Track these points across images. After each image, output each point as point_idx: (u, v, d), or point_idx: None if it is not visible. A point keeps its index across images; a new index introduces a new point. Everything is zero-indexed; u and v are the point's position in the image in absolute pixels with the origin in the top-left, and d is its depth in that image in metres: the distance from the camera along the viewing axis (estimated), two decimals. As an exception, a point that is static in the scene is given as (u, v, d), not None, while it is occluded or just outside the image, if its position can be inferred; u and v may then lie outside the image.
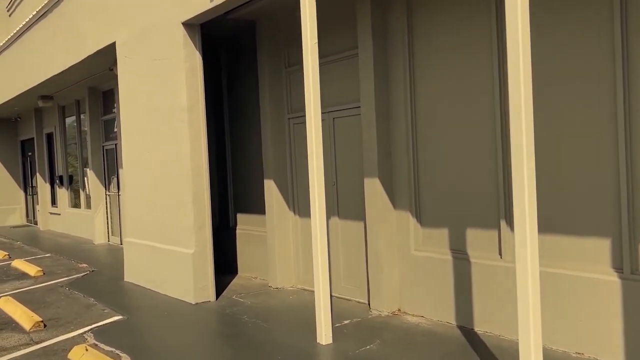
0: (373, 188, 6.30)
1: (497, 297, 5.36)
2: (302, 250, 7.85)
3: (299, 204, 7.84)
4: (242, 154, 8.95)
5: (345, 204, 7.12)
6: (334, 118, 7.18)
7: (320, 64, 7.37)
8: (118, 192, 13.14)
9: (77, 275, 9.80)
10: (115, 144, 13.11)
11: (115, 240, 13.46)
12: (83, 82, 13.21)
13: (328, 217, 7.20)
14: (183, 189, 7.34)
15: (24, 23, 13.62)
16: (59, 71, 11.72)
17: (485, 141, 5.48)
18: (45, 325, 6.65)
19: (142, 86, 8.19)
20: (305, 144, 7.65)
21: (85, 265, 10.82)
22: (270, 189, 7.87)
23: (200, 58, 7.25)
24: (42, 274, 10.09)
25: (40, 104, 14.97)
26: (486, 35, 5.39)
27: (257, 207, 8.62)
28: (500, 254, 5.42)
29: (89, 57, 10.15)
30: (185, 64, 7.15)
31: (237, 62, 8.95)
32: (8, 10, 19.52)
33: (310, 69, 5.30)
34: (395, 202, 6.33)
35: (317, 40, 5.31)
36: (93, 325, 6.55)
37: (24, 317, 6.90)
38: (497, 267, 5.38)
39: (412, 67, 6.12)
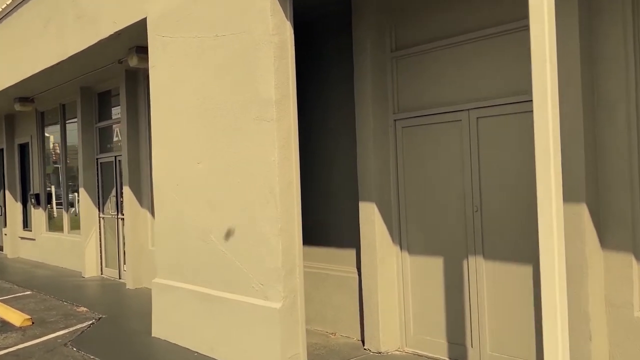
0: (577, 217, 4.28)
1: None
2: (412, 300, 5.75)
3: (409, 236, 5.76)
4: (313, 166, 6.81)
5: (494, 238, 5.08)
6: (477, 118, 5.16)
7: (455, 44, 5.40)
8: (117, 214, 10.77)
9: (80, 326, 7.42)
10: (115, 157, 10.78)
11: (111, 273, 11.04)
12: (75, 81, 10.87)
13: (464, 256, 5.17)
14: (264, 214, 5.17)
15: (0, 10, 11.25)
16: (50, 65, 9.42)
17: None
18: None
19: (191, 75, 6.01)
20: (420, 155, 5.59)
21: (84, 309, 8.42)
22: (370, 215, 5.76)
23: (292, 31, 5.15)
24: (31, 323, 7.67)
25: (18, 107, 12.51)
26: None
27: (337, 237, 6.49)
28: None
29: (99, 43, 7.93)
30: (274, 39, 5.03)
31: (309, 42, 6.84)
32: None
33: (546, 26, 3.27)
34: (604, 238, 4.33)
35: (553, -17, 3.31)
36: None
37: (31, 407, 4.58)
38: None
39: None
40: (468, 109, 5.21)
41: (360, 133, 5.83)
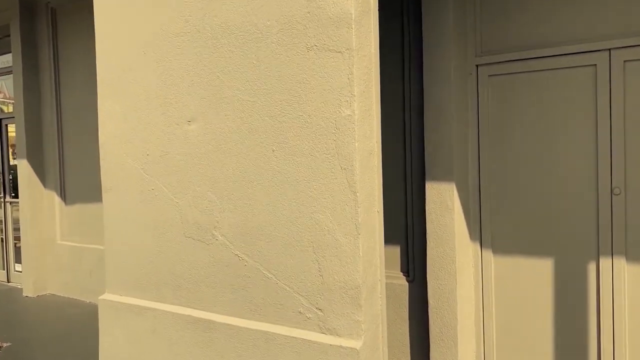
0: None
1: None
2: (496, 319, 4.16)
3: (494, 231, 4.15)
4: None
5: (646, 232, 3.61)
6: (624, 61, 3.62)
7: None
8: (4, 197, 8.11)
9: (-28, 364, 5.02)
10: (0, 120, 8.07)
11: (-7, 274, 8.36)
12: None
13: (591, 257, 3.68)
14: (328, 201, 3.27)
15: None
16: None
17: None
18: None
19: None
20: (517, 114, 3.87)
21: (-30, 332, 5.92)
22: (447, 200, 4.06)
23: None
24: None
25: None
26: None
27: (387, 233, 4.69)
28: None
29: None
30: None
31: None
32: None
33: None
34: None
35: None
36: None
37: None
38: None
39: None
40: (609, 49, 3.65)
41: (432, 85, 4.08)
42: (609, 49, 3.64)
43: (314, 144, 3.28)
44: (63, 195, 7.21)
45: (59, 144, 7.15)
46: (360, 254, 3.16)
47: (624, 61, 3.61)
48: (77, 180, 6.98)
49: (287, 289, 3.45)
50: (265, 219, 3.53)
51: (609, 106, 3.66)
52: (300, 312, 3.41)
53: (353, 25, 3.10)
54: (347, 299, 3.22)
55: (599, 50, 3.68)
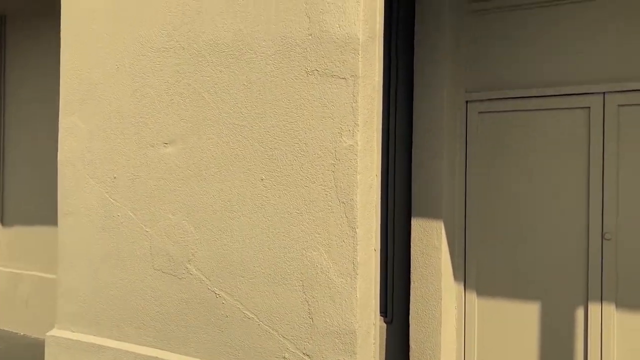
0: None
1: None
2: (479, 361, 4.00)
3: (479, 273, 4.01)
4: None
5: (637, 278, 3.55)
6: (618, 106, 3.60)
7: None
8: None
9: None
10: None
11: None
12: None
13: (579, 303, 3.61)
14: (322, 237, 3.03)
15: None
16: None
17: None
18: None
19: (162, -6, 3.63)
20: (507, 152, 3.59)
21: None
22: (434, 239, 3.90)
23: None
24: None
25: None
26: None
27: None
28: None
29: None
30: None
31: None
32: None
33: None
34: None
35: None
36: None
37: None
38: None
39: None
40: (603, 92, 3.62)
41: (422, 119, 3.94)
42: (604, 92, 3.62)
43: (309, 175, 3.05)
44: (0, 216, 6.62)
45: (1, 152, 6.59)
46: (358, 296, 2.93)
47: (618, 105, 3.58)
48: (18, 199, 6.43)
49: (271, 331, 3.17)
50: (248, 253, 3.25)
51: (601, 149, 3.62)
52: (284, 358, 3.12)
53: (360, 51, 2.92)
54: (339, 345, 2.96)
55: (593, 93, 3.64)
